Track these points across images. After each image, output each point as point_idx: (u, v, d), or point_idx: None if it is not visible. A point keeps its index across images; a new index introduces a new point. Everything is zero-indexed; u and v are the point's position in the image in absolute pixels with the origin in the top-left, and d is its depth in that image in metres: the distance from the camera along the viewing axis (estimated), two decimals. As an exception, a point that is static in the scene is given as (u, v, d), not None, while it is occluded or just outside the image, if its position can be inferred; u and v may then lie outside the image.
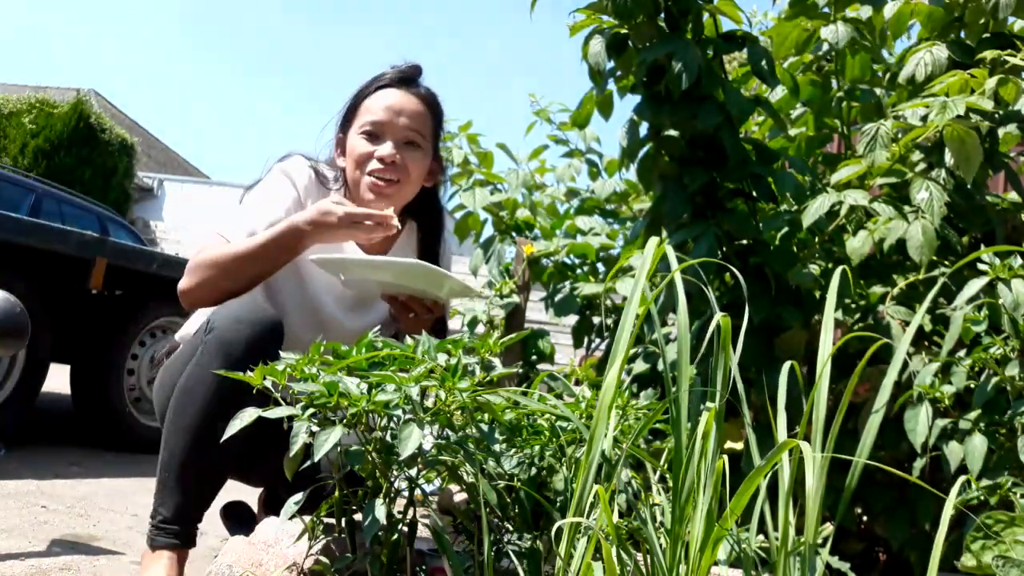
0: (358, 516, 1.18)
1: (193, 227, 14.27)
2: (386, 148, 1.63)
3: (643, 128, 2.43)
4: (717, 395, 1.07)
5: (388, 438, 1.14)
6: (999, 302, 1.85)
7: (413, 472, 1.18)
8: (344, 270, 1.52)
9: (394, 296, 1.55)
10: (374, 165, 1.63)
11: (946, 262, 2.21)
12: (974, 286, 1.87)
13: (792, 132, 2.69)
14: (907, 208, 2.08)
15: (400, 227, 1.54)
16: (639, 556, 1.08)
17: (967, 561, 1.46)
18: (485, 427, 1.18)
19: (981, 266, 1.89)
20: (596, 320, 3.08)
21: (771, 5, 3.24)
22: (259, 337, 1.44)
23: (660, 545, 1.05)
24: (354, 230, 1.49)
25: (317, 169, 1.72)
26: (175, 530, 1.41)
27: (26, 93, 13.74)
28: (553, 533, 1.00)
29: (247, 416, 1.12)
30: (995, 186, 3.29)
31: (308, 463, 1.09)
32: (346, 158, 1.69)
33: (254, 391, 1.18)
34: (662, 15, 2.28)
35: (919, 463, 1.91)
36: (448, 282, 1.51)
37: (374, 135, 1.65)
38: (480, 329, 3.32)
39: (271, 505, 1.85)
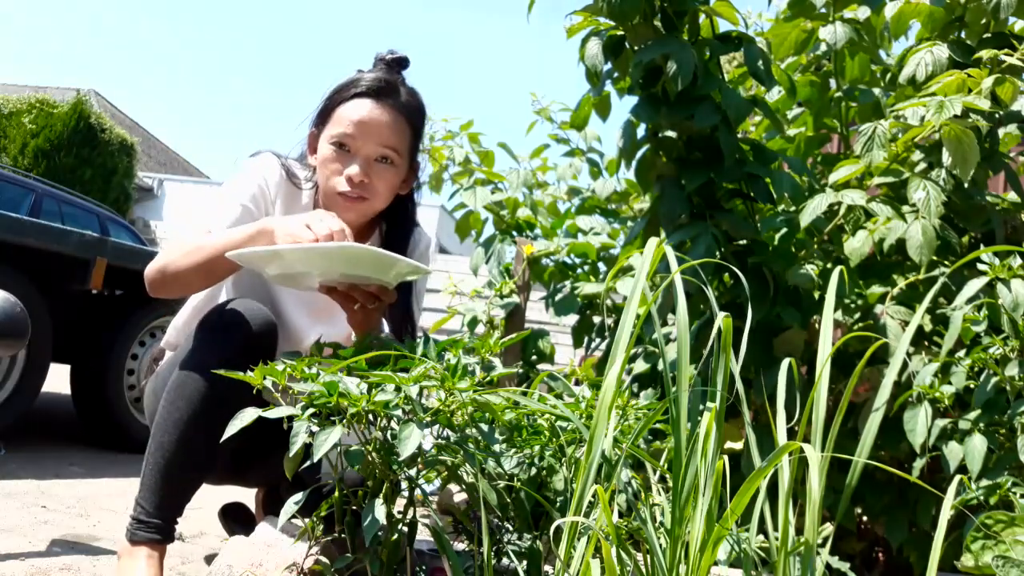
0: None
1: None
2: (354, 168, 1.56)
3: (641, 129, 2.43)
4: (718, 395, 1.07)
5: (388, 438, 1.15)
6: (999, 302, 1.85)
7: (413, 472, 1.19)
8: (270, 263, 1.39)
9: (332, 287, 1.42)
10: (342, 185, 1.57)
11: (946, 262, 2.21)
12: (974, 286, 1.87)
13: (791, 132, 2.69)
14: (905, 208, 2.08)
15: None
16: (639, 556, 1.08)
17: (967, 561, 1.46)
18: (485, 427, 1.18)
19: (981, 266, 1.89)
20: (596, 320, 3.08)
21: (767, 7, 3.24)
22: (252, 334, 1.44)
23: (660, 545, 1.05)
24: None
25: (288, 168, 1.67)
26: (157, 524, 1.40)
27: (26, 93, 13.75)
28: (552, 533, 1.00)
29: (247, 416, 1.12)
30: (995, 186, 3.29)
31: (308, 463, 1.09)
32: (317, 160, 1.62)
33: (249, 388, 1.18)
34: (658, 16, 2.28)
35: (919, 463, 1.91)
36: (395, 265, 1.38)
37: (344, 149, 1.57)
38: (480, 329, 3.32)
39: (270, 505, 1.85)
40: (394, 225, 1.74)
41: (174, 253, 1.50)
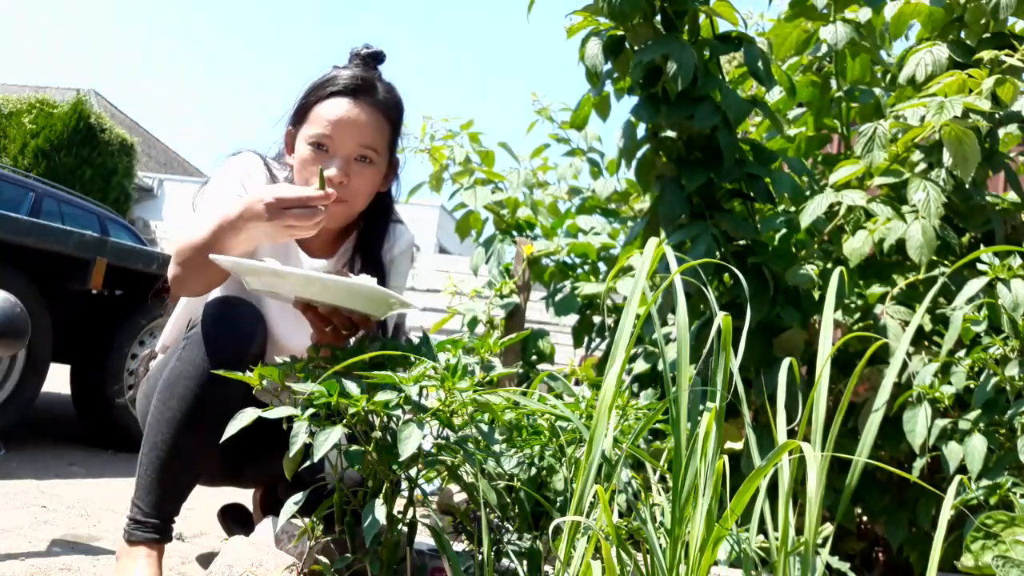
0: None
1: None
2: (332, 169, 1.51)
3: (641, 129, 2.43)
4: (718, 395, 1.07)
5: (388, 438, 1.15)
6: (999, 302, 1.85)
7: (413, 472, 1.18)
8: (259, 276, 1.33)
9: (311, 305, 1.37)
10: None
11: (946, 262, 2.21)
12: (974, 286, 1.87)
13: (791, 133, 2.69)
14: (905, 208, 2.08)
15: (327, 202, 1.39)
16: (639, 556, 1.08)
17: (967, 561, 1.46)
18: (485, 427, 1.18)
19: (981, 266, 1.89)
20: (596, 320, 3.08)
21: (767, 7, 3.24)
22: (242, 332, 1.43)
23: (660, 545, 1.05)
24: (283, 224, 1.35)
25: (269, 167, 1.64)
26: (154, 524, 1.41)
27: (26, 93, 13.73)
28: (552, 533, 1.00)
29: (247, 416, 1.12)
30: (995, 186, 3.30)
31: (307, 463, 1.09)
32: (295, 160, 1.59)
33: (241, 386, 1.18)
34: (658, 16, 2.28)
35: (919, 463, 1.91)
36: (391, 302, 1.32)
37: (323, 149, 1.53)
38: (480, 329, 3.32)
39: (269, 506, 1.85)
40: (372, 221, 1.71)
41: (171, 263, 1.47)
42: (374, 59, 1.62)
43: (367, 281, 1.31)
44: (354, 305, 1.32)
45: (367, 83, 1.58)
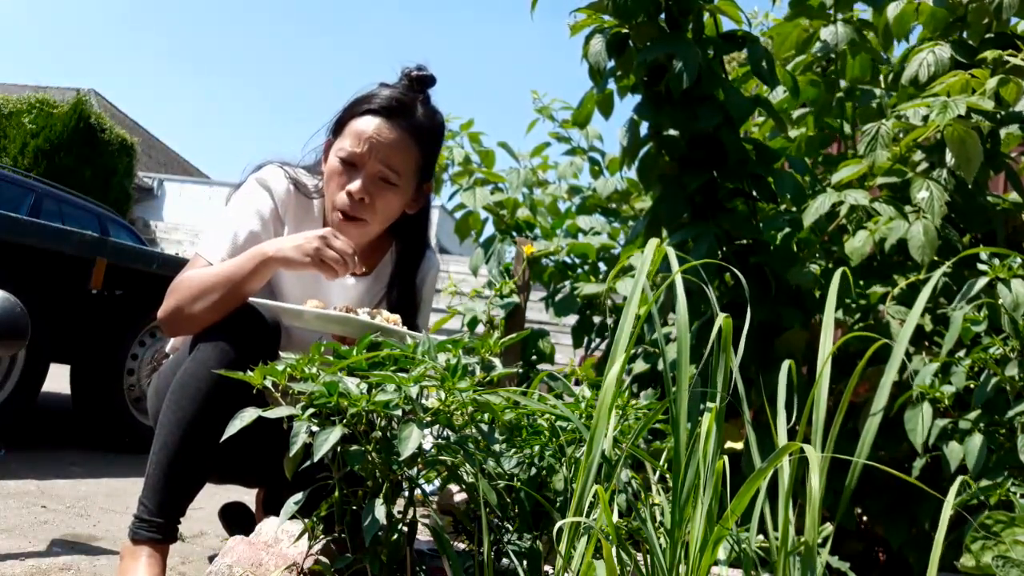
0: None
1: (194, 226, 14.32)
2: (355, 184, 1.57)
3: (643, 128, 2.43)
4: (718, 395, 1.07)
5: (388, 438, 1.14)
6: (999, 302, 1.85)
7: (413, 472, 1.18)
8: (283, 316, 1.48)
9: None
10: (342, 198, 1.58)
11: (947, 262, 2.21)
12: (974, 286, 1.87)
13: (793, 133, 2.69)
14: (907, 208, 2.08)
15: (363, 270, 1.57)
16: (639, 556, 1.08)
17: (967, 561, 1.46)
18: (485, 427, 1.18)
19: (981, 266, 1.89)
20: (596, 320, 3.08)
21: (771, 6, 3.24)
22: (255, 333, 1.44)
23: (660, 545, 1.05)
24: (321, 269, 1.47)
25: (296, 179, 1.66)
26: (159, 524, 1.41)
27: (26, 93, 13.72)
28: (554, 533, 1.00)
29: (247, 416, 1.12)
30: (996, 186, 3.29)
31: (308, 463, 1.09)
32: (325, 170, 1.63)
33: (253, 389, 1.18)
34: (662, 15, 2.28)
35: (919, 463, 1.91)
36: (404, 340, 1.44)
37: (349, 164, 1.58)
38: (480, 329, 3.32)
39: (270, 505, 1.85)
40: (408, 246, 1.74)
41: (186, 296, 1.48)
42: (420, 82, 1.64)
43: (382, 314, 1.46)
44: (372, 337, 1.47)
45: (403, 105, 1.60)
